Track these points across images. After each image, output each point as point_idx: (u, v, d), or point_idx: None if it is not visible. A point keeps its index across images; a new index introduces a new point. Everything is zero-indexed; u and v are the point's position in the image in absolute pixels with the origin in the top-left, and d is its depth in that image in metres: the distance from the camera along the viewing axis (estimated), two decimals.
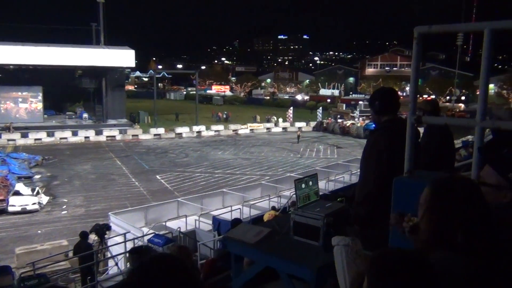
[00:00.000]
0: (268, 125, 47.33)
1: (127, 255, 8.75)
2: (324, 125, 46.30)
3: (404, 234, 1.57)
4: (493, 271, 1.29)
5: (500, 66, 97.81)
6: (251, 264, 3.15)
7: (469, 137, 23.94)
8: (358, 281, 1.75)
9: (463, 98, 68.02)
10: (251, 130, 45.16)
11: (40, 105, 41.23)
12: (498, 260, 1.31)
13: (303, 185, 3.16)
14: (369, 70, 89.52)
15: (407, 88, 76.97)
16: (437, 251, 1.30)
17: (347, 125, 43.65)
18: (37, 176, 24.40)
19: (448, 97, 66.29)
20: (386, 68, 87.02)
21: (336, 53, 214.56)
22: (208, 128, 43.30)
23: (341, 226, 3.01)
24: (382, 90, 3.21)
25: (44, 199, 19.71)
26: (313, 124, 47.81)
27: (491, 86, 70.61)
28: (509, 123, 1.80)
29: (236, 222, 6.34)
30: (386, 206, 2.12)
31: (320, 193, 3.40)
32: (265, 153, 33.27)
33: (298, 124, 46.84)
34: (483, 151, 1.81)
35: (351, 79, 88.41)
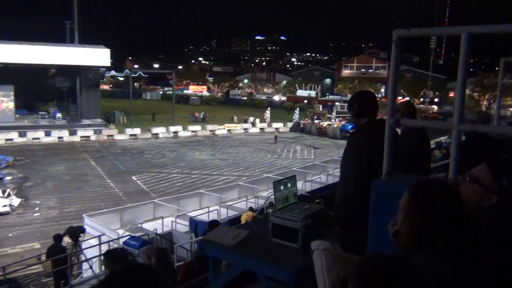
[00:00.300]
0: (245, 125, 47.31)
1: (102, 258, 8.59)
2: (301, 126, 46.55)
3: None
4: (474, 274, 1.30)
5: (471, 69, 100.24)
6: (229, 266, 3.12)
7: (442, 138, 24.52)
8: (338, 286, 1.75)
9: (436, 100, 69.49)
10: (228, 130, 45.05)
11: (11, 105, 40.08)
12: (479, 263, 1.32)
13: (282, 187, 3.15)
14: (346, 72, 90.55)
15: (383, 90, 78.26)
16: (418, 255, 1.31)
17: (324, 126, 43.97)
18: (8, 178, 23.72)
19: (421, 99, 67.63)
20: (362, 70, 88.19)
21: (313, 55, 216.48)
22: (185, 129, 42.96)
23: (320, 227, 3.01)
24: (360, 93, 3.25)
25: (16, 201, 19.17)
26: (290, 124, 48.02)
27: None
28: (485, 127, 1.82)
29: (213, 223, 6.30)
30: (366, 207, 2.13)
31: (298, 194, 3.40)
32: (242, 153, 33.24)
33: (275, 125, 46.97)
34: (482, 150, 1.83)
35: (328, 80, 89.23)
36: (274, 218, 3.03)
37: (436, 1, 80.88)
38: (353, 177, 2.76)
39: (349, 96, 64.78)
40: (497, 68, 61.41)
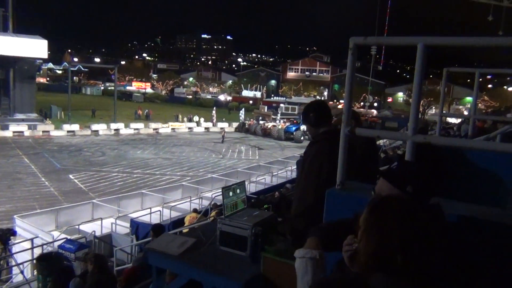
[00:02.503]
0: (190, 124, 46.75)
1: (35, 262, 8.07)
2: (246, 126, 46.66)
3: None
4: None
5: (408, 76, 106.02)
6: (174, 276, 2.98)
7: (381, 142, 25.48)
8: None
9: (375, 104, 72.38)
10: (172, 129, 44.26)
11: None
12: (437, 284, 1.29)
13: (231, 193, 3.06)
14: (290, 74, 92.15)
15: (325, 93, 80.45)
16: (376, 275, 1.25)
17: (269, 127, 44.33)
18: None
19: (361, 103, 70.18)
20: (306, 72, 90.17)
21: (259, 56, 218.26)
22: (127, 126, 41.69)
23: (269, 235, 2.95)
24: (315, 102, 3.28)
25: None
26: (235, 125, 48.02)
27: (400, 94, 76.11)
28: (440, 138, 1.82)
29: (157, 227, 6.07)
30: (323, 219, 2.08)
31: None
32: (186, 153, 32.76)
33: (221, 124, 46.79)
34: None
35: (273, 82, 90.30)
36: (222, 225, 2.93)
37: (377, 10, 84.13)
38: (313, 188, 2.71)
39: (294, 98, 66.00)
40: (431, 76, 65.12)
